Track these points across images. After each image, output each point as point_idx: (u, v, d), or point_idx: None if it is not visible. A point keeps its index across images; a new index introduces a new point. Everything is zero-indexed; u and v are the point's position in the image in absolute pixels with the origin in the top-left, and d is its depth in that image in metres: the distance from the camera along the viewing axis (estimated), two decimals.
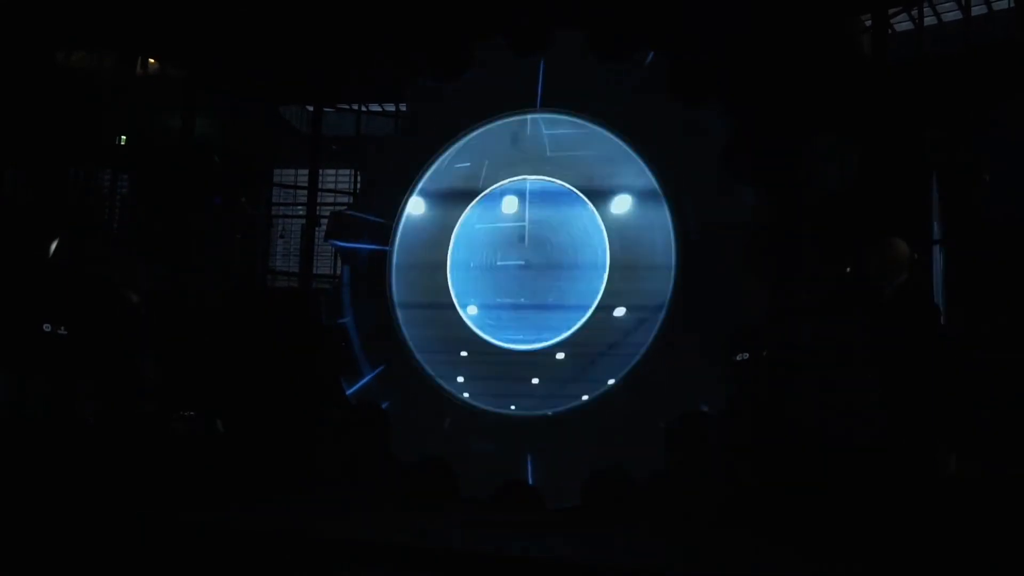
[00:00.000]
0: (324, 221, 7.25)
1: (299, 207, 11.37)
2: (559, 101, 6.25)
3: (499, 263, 6.29)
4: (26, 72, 8.54)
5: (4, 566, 4.09)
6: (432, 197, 6.58)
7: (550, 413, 5.88)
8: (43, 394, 6.26)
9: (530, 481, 5.78)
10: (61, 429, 5.92)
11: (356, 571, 4.11)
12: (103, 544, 4.40)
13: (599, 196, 6.10)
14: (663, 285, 5.75)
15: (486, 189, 6.39)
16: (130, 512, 4.73)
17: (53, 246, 5.83)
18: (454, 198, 6.47)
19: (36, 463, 5.48)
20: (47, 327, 6.64)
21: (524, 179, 6.29)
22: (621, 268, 5.94)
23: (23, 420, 6.10)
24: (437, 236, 6.46)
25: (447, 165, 6.55)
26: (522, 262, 6.21)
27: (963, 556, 3.85)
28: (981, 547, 4.00)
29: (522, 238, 6.23)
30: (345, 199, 10.43)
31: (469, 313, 6.29)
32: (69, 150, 8.89)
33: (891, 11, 7.91)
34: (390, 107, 10.85)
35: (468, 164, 6.50)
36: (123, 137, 9.71)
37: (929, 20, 8.91)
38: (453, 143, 6.49)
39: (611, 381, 5.79)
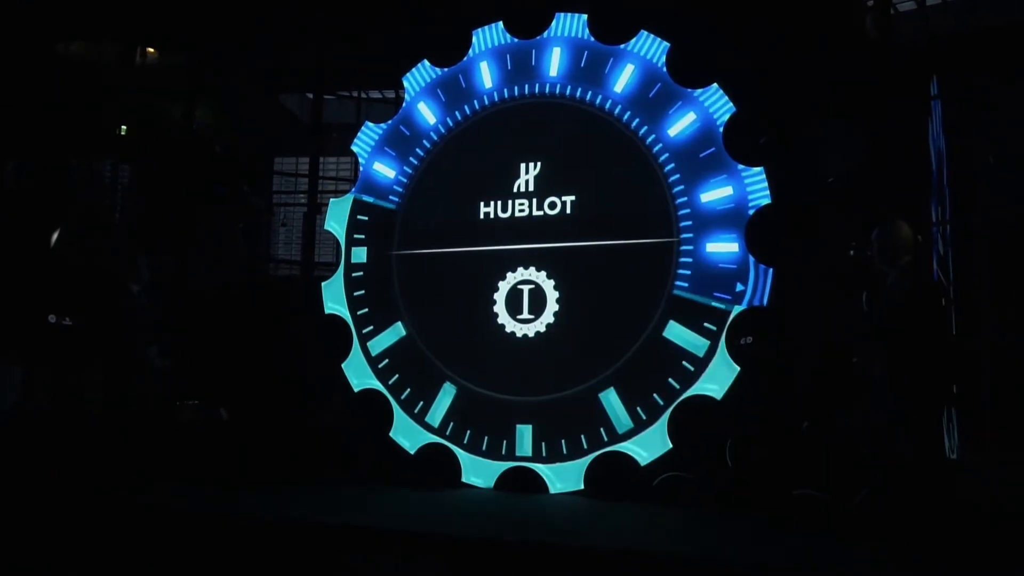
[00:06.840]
0: (325, 209, 7.24)
1: (300, 195, 11.34)
2: None
3: None
4: (26, 62, 8.53)
5: (7, 557, 4.11)
6: None
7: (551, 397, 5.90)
8: (48, 385, 6.28)
9: (532, 465, 5.81)
10: (66, 419, 5.94)
11: (362, 558, 4.12)
12: (107, 533, 4.42)
13: None
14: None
15: None
16: (134, 501, 4.74)
17: (55, 237, 5.82)
18: None
19: (41, 453, 5.50)
20: (52, 318, 6.65)
21: None
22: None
23: (28, 411, 6.12)
24: None
25: None
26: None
27: (968, 546, 3.85)
28: (984, 538, 3.99)
29: None
30: (346, 187, 10.42)
31: None
32: (70, 141, 8.88)
33: None
34: (390, 94, 10.79)
35: None
36: (124, 127, 9.69)
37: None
38: None
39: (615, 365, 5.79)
